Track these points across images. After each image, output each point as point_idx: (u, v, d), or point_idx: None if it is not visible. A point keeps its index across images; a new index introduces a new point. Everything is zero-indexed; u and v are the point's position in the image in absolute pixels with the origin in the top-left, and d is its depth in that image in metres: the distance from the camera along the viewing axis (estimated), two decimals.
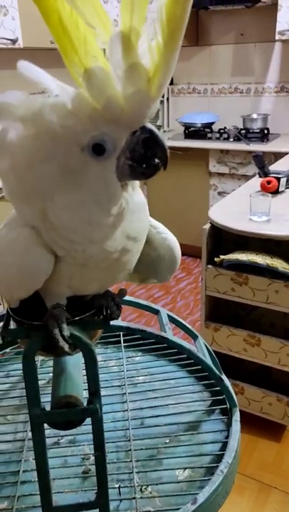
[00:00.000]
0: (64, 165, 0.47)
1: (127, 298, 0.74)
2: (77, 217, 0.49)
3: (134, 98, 0.44)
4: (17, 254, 0.53)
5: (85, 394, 0.58)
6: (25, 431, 0.81)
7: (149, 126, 0.47)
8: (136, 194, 0.54)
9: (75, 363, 0.60)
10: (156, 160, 0.48)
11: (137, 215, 0.55)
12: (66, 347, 0.49)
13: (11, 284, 0.55)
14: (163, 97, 3.65)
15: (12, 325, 0.55)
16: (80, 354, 0.55)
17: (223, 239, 1.87)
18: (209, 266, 1.77)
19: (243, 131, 3.24)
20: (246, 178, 3.03)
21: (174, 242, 0.64)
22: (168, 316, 0.85)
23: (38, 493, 0.62)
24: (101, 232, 0.50)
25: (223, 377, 0.82)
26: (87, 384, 0.54)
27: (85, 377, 0.55)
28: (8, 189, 0.52)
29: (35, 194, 0.49)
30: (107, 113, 0.44)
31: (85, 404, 0.54)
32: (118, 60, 0.43)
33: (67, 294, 0.57)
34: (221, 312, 1.93)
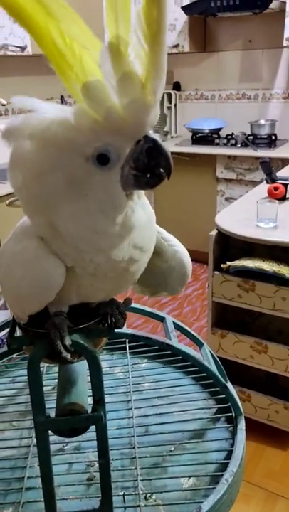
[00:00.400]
0: (69, 175, 0.48)
1: (132, 305, 0.74)
2: (83, 225, 0.49)
3: (132, 107, 0.44)
4: (27, 267, 0.53)
5: (90, 400, 0.59)
6: (31, 437, 0.81)
7: (153, 135, 0.48)
8: (142, 203, 0.54)
9: (80, 370, 0.60)
10: (161, 169, 0.49)
11: (144, 224, 0.55)
12: (68, 356, 0.49)
13: (23, 298, 0.55)
14: (170, 102, 3.66)
15: (18, 332, 0.55)
16: (85, 361, 0.55)
17: (230, 245, 1.87)
18: (216, 272, 1.77)
19: (251, 137, 3.24)
20: (254, 184, 3.02)
21: (185, 254, 0.64)
22: (173, 323, 0.85)
23: (42, 499, 0.62)
24: (107, 240, 0.51)
25: (229, 385, 0.82)
26: (91, 391, 0.54)
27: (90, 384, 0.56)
28: (22, 202, 0.53)
29: (42, 204, 0.50)
30: (108, 124, 0.45)
31: (89, 411, 0.54)
32: (110, 71, 0.44)
33: (75, 301, 0.58)
34: (227, 318, 1.93)
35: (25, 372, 0.97)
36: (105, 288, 0.57)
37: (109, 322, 0.56)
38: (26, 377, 0.95)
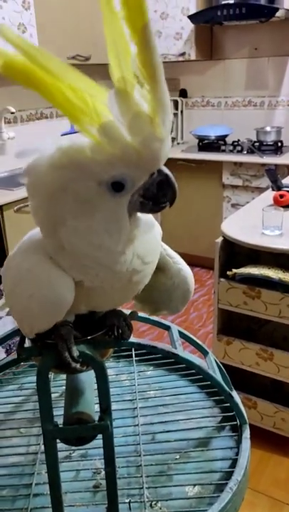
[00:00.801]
0: (79, 195, 0.49)
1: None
2: (88, 242, 0.51)
3: (146, 144, 0.46)
4: (36, 285, 0.54)
5: (96, 407, 0.60)
6: (38, 444, 0.82)
7: (165, 169, 0.51)
8: (144, 215, 0.56)
9: (87, 379, 0.61)
10: (166, 201, 0.52)
11: (147, 235, 0.57)
12: (77, 366, 0.51)
13: (32, 317, 0.55)
14: (177, 109, 3.69)
15: (27, 342, 0.57)
16: (92, 371, 0.56)
17: (235, 252, 1.88)
18: (222, 279, 1.77)
19: (257, 144, 3.26)
20: (260, 190, 3.03)
21: (189, 273, 0.66)
22: (179, 332, 0.86)
23: (50, 506, 0.63)
24: (111, 257, 0.52)
25: (234, 393, 0.83)
26: (98, 400, 0.55)
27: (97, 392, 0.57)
28: (38, 224, 0.54)
29: (52, 221, 0.51)
30: (125, 159, 0.47)
31: (96, 420, 0.55)
32: (120, 113, 0.46)
33: (83, 311, 0.59)
34: (233, 325, 1.93)
35: (32, 379, 0.99)
36: (113, 298, 0.58)
37: (116, 334, 0.58)
38: (34, 384, 0.97)
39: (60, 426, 0.55)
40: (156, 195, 0.51)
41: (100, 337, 0.56)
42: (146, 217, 0.57)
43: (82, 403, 0.57)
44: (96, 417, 0.57)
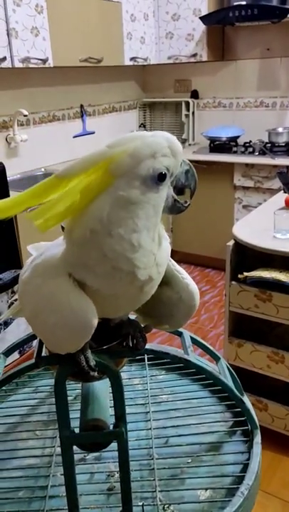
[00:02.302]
0: (129, 200, 0.52)
1: None
2: (130, 245, 0.53)
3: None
4: (60, 314, 0.54)
5: (111, 411, 0.61)
6: (53, 446, 0.84)
7: (187, 160, 0.57)
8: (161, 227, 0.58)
9: (102, 386, 0.63)
10: (187, 203, 0.58)
11: (162, 246, 0.59)
12: (96, 375, 0.53)
13: (58, 342, 0.56)
14: (188, 110, 3.70)
15: (44, 351, 0.58)
16: (107, 378, 0.58)
17: (247, 255, 1.88)
18: (233, 282, 1.78)
19: (269, 145, 3.25)
20: (271, 191, 3.03)
21: (195, 289, 0.67)
22: (191, 337, 0.87)
23: (65, 507, 0.65)
24: (144, 257, 0.54)
25: (245, 399, 0.84)
26: (113, 407, 0.57)
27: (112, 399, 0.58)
28: (79, 236, 0.55)
29: (94, 238, 0.53)
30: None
31: (111, 427, 0.57)
32: None
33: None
34: (244, 328, 1.94)
35: (47, 382, 1.01)
36: (123, 307, 0.60)
37: (130, 344, 0.59)
38: (49, 387, 0.99)
39: (76, 432, 0.56)
40: (184, 185, 0.57)
41: (116, 347, 0.58)
42: (162, 231, 0.59)
43: (98, 410, 0.58)
44: (111, 424, 0.59)
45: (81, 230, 0.53)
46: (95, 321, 0.55)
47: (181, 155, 0.55)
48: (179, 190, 0.57)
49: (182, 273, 0.66)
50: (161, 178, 0.53)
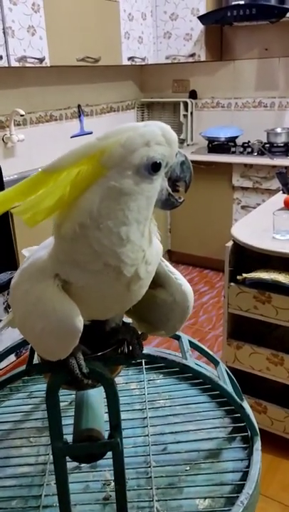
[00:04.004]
0: (121, 190, 0.50)
1: None
2: (118, 238, 0.51)
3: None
4: (46, 319, 0.53)
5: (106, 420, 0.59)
6: (47, 454, 0.82)
7: (183, 152, 0.55)
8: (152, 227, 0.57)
9: (97, 394, 0.61)
10: (182, 199, 0.55)
11: (153, 245, 0.57)
12: (89, 382, 0.50)
13: (47, 348, 0.55)
14: (186, 111, 3.68)
15: (36, 358, 0.56)
16: (102, 387, 0.56)
17: (246, 256, 1.86)
18: (232, 284, 1.76)
19: (267, 146, 3.23)
20: (270, 192, 3.01)
21: (189, 289, 0.65)
22: (189, 342, 0.85)
23: None
24: (132, 252, 0.52)
25: (244, 404, 0.82)
26: (108, 417, 0.55)
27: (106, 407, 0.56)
28: (69, 230, 0.53)
29: (81, 231, 0.51)
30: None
31: (106, 437, 0.55)
32: None
33: (85, 322, 0.58)
34: (243, 329, 1.92)
35: (41, 386, 0.99)
36: (113, 307, 0.58)
37: (126, 350, 0.57)
38: (43, 392, 0.96)
39: (69, 443, 0.54)
40: (179, 177, 0.55)
41: (110, 353, 0.55)
42: (153, 229, 0.57)
43: (92, 419, 0.56)
44: (106, 434, 0.56)
45: (70, 225, 0.51)
46: (80, 325, 0.53)
47: (176, 144, 0.53)
48: (173, 183, 0.55)
49: (175, 274, 0.64)
50: (155, 167, 0.51)
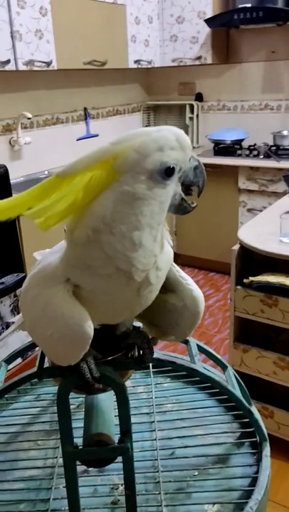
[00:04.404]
0: (134, 195, 0.50)
1: None
2: (131, 242, 0.50)
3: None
4: (55, 325, 0.53)
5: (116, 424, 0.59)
6: (56, 457, 0.82)
7: (196, 156, 0.55)
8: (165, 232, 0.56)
9: (107, 398, 0.61)
10: (194, 204, 0.55)
11: (165, 250, 0.57)
12: (100, 387, 0.50)
13: (56, 354, 0.55)
14: (192, 113, 3.68)
15: (47, 361, 0.56)
16: (112, 391, 0.56)
17: (253, 259, 1.85)
18: (238, 287, 1.76)
19: (274, 148, 3.22)
20: (276, 195, 3.00)
21: (199, 294, 0.64)
22: (197, 345, 0.85)
23: None
24: (144, 258, 0.52)
25: (253, 409, 0.81)
26: (119, 422, 0.54)
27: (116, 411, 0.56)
28: (81, 235, 0.53)
29: (94, 236, 0.51)
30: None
31: (116, 442, 0.55)
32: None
33: (95, 326, 0.58)
34: (250, 333, 1.91)
35: (49, 389, 0.99)
36: (123, 312, 0.58)
37: (136, 354, 0.57)
38: (51, 395, 0.97)
39: (80, 448, 0.54)
40: (192, 182, 0.55)
41: (121, 358, 0.55)
42: (165, 234, 0.57)
43: (102, 423, 0.56)
44: (116, 438, 0.56)
45: (83, 229, 0.51)
46: (90, 331, 0.53)
47: (189, 149, 0.53)
48: (186, 188, 0.55)
49: (186, 279, 0.64)
50: (169, 172, 0.51)
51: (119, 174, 0.49)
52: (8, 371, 0.88)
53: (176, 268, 0.63)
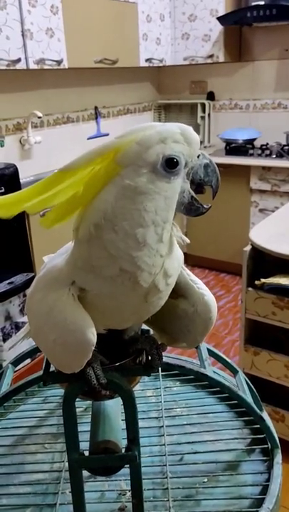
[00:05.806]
0: (130, 187, 0.48)
1: None
2: (134, 241, 0.49)
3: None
4: (58, 330, 0.52)
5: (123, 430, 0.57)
6: (62, 461, 0.80)
7: (207, 155, 0.52)
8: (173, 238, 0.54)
9: (114, 405, 0.59)
10: (208, 205, 0.53)
11: (173, 255, 0.55)
12: (106, 393, 0.49)
13: (60, 359, 0.54)
14: (204, 112, 3.65)
15: (53, 367, 0.55)
16: (119, 397, 0.54)
17: (264, 260, 1.83)
18: (250, 289, 1.73)
19: (286, 148, 3.18)
20: (288, 195, 2.97)
21: (212, 300, 0.62)
22: (208, 350, 0.83)
23: None
24: (149, 258, 0.50)
25: (264, 415, 0.79)
26: (126, 430, 0.53)
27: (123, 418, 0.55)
28: (84, 233, 0.52)
29: (97, 233, 0.50)
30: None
31: (123, 449, 0.53)
32: None
33: (101, 330, 0.57)
34: (261, 335, 1.89)
35: (57, 392, 0.98)
36: (130, 317, 0.56)
37: (144, 360, 0.55)
38: (58, 398, 0.96)
39: (86, 455, 0.53)
40: (203, 180, 0.52)
41: (129, 364, 0.54)
42: (176, 233, 0.55)
43: (109, 430, 0.54)
44: (123, 442, 0.55)
45: (86, 226, 0.50)
46: (93, 337, 0.51)
47: (196, 144, 0.51)
48: (197, 186, 0.53)
49: (197, 283, 0.62)
50: (171, 165, 0.48)
51: (120, 168, 0.48)
52: (17, 370, 0.87)
53: (187, 271, 0.61)
